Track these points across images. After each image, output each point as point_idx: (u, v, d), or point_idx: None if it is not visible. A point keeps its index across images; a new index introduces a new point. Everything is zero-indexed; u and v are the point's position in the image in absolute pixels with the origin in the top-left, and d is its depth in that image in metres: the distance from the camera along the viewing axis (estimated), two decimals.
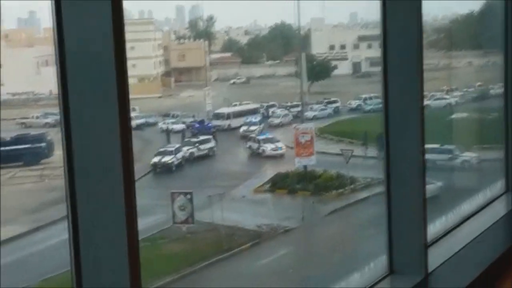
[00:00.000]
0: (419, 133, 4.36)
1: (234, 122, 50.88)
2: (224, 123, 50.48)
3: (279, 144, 42.54)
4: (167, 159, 42.00)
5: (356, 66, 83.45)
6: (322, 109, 52.08)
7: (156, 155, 42.64)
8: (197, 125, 49.36)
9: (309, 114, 51.23)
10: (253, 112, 53.77)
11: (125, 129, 2.72)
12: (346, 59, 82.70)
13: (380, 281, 4.92)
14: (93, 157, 2.73)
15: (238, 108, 54.34)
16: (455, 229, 5.26)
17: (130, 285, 2.73)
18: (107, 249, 2.78)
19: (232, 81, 65.99)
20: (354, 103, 56.41)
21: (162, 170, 41.60)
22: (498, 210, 5.55)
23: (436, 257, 4.98)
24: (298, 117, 49.45)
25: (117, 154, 2.70)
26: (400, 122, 4.41)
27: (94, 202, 2.78)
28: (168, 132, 50.65)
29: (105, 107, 2.76)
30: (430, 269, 4.83)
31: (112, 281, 2.82)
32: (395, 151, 4.46)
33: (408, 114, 4.42)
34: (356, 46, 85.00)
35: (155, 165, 41.78)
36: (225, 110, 53.55)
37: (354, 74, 78.04)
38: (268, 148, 42.33)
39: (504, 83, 5.75)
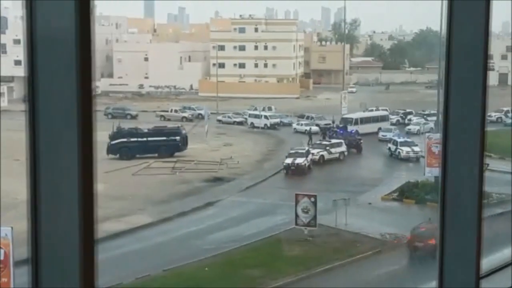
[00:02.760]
0: (478, 156, 3.98)
1: (363, 128, 50.10)
2: (352, 128, 49.88)
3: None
4: (299, 161, 41.76)
5: (502, 78, 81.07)
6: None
7: (288, 156, 42.42)
8: (341, 132, 48.81)
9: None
10: (382, 119, 52.92)
11: (87, 121, 2.56)
12: (492, 69, 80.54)
13: None
14: (52, 151, 2.59)
15: (366, 114, 53.54)
16: None
17: (79, 285, 2.58)
18: (62, 249, 2.63)
19: (344, 91, 63.90)
20: (494, 115, 54.60)
21: (292, 172, 41.50)
22: None
23: None
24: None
25: (74, 149, 2.54)
26: (458, 144, 4.06)
27: (53, 197, 2.63)
28: (309, 134, 50.36)
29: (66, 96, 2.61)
30: None
31: (66, 281, 2.68)
32: (451, 174, 4.10)
33: (467, 136, 4.05)
34: (504, 57, 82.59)
35: (287, 167, 41.58)
36: (353, 115, 52.96)
37: (500, 86, 75.82)
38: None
39: None
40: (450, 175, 3.96)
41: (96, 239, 2.47)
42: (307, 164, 41.88)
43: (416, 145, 44.83)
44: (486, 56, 3.77)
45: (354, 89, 67.78)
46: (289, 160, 41.83)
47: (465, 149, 3.87)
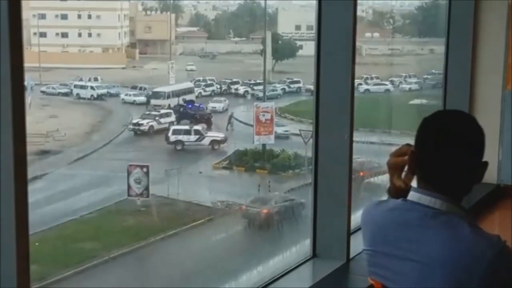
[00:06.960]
0: (348, 123, 4.34)
1: (174, 101, 49.62)
2: (164, 102, 49.81)
3: None
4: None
5: None
6: None
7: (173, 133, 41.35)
8: (189, 106, 48.18)
9: None
10: (189, 91, 52.91)
11: (19, 116, 2.61)
12: (312, 40, 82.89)
13: (303, 263, 4.98)
14: None
15: (174, 88, 52.91)
16: None
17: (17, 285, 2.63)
18: None
19: (172, 61, 62.88)
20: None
21: (121, 142, 41.23)
22: None
23: (359, 244, 4.99)
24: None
25: (9, 147, 2.58)
26: (330, 111, 4.39)
27: None
28: (147, 105, 49.60)
29: None
30: (352, 255, 4.89)
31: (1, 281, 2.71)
32: (323, 140, 4.44)
33: (338, 102, 4.39)
34: None
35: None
36: (165, 89, 52.53)
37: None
38: None
39: (444, 71, 5.72)
40: (322, 142, 4.28)
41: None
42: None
43: None
44: (354, 38, 4.07)
45: (194, 67, 67.29)
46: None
47: (335, 118, 4.19)
